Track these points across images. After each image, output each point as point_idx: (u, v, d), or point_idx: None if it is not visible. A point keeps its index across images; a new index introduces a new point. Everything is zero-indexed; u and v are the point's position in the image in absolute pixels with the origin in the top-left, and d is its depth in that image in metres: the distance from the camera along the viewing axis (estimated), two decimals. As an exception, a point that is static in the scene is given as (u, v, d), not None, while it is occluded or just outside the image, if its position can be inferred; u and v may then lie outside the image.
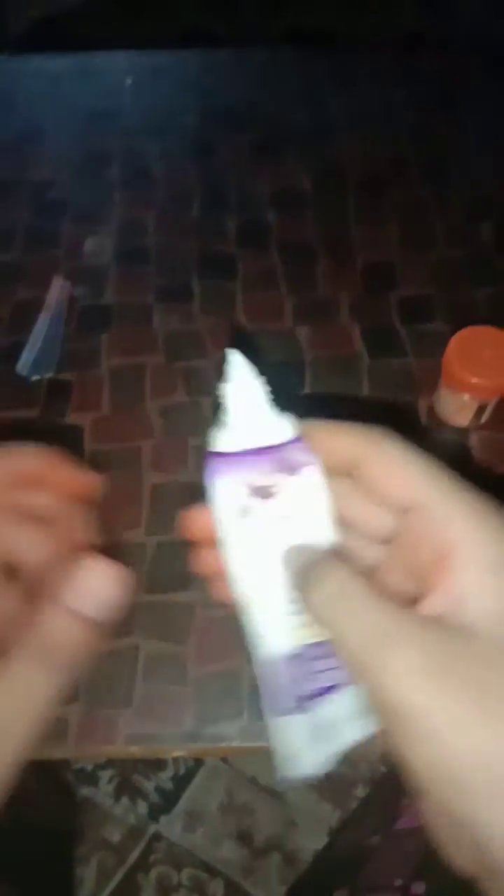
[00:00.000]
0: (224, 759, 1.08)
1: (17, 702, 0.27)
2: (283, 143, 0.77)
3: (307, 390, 0.59)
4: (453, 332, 0.53)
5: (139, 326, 0.63)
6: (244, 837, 1.03)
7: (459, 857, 0.27)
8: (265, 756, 0.46)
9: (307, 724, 0.28)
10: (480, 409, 0.54)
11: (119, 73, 0.84)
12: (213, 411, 0.58)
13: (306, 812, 1.05)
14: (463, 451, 0.55)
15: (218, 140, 0.77)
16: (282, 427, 0.28)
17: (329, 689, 0.28)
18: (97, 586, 0.29)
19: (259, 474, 0.27)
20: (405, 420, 0.57)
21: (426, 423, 0.57)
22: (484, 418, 0.55)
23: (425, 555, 0.27)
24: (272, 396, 0.29)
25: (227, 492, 0.27)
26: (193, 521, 0.30)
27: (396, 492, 0.28)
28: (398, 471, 0.28)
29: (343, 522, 0.30)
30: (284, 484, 0.27)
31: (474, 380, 0.51)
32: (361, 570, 0.27)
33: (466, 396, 0.53)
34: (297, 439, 0.28)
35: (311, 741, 0.28)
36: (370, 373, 0.60)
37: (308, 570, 0.27)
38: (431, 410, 0.57)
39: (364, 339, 0.62)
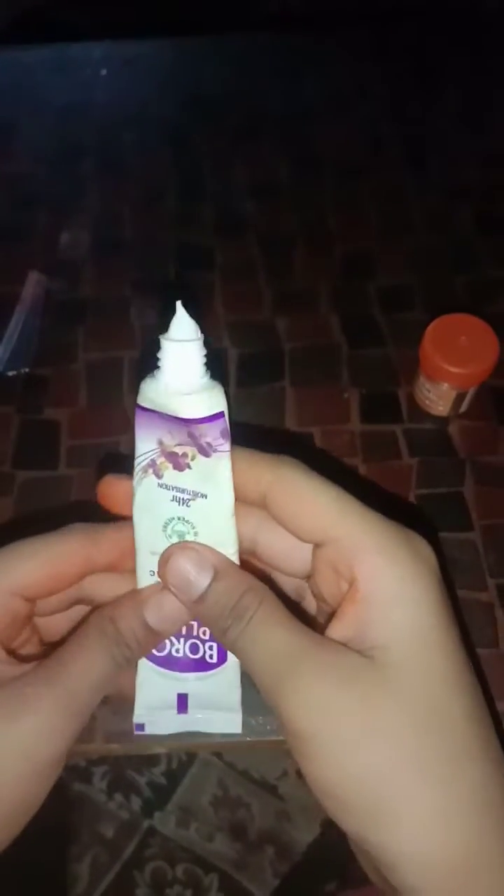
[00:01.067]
0: (217, 754, 1.08)
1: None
2: (259, 131, 0.76)
3: (286, 381, 0.58)
4: (433, 320, 0.52)
5: (116, 320, 0.62)
6: (238, 831, 1.03)
7: (371, 875, 0.27)
8: (255, 750, 0.46)
9: (174, 688, 0.28)
10: (459, 398, 0.53)
11: (93, 63, 0.83)
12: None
13: (299, 805, 1.05)
14: (443, 439, 0.55)
15: (194, 129, 0.76)
16: (210, 397, 0.27)
17: (210, 666, 0.29)
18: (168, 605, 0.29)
19: (176, 440, 0.27)
20: (385, 410, 0.56)
21: (406, 413, 0.56)
22: (464, 407, 0.55)
23: (335, 586, 0.28)
24: (207, 361, 0.28)
25: (142, 445, 0.28)
26: (110, 487, 0.31)
27: (306, 526, 0.28)
28: (306, 505, 0.28)
29: (262, 557, 0.31)
30: (198, 461, 0.27)
31: (452, 369, 0.50)
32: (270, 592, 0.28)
33: (445, 385, 0.52)
34: (220, 414, 0.27)
35: (171, 706, 0.29)
36: (349, 362, 0.59)
37: (218, 593, 0.28)
38: (411, 399, 0.57)
39: (343, 328, 0.61)
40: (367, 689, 0.25)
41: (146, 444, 0.28)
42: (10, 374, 0.58)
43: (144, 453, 0.28)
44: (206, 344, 0.28)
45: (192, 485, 0.28)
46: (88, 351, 0.60)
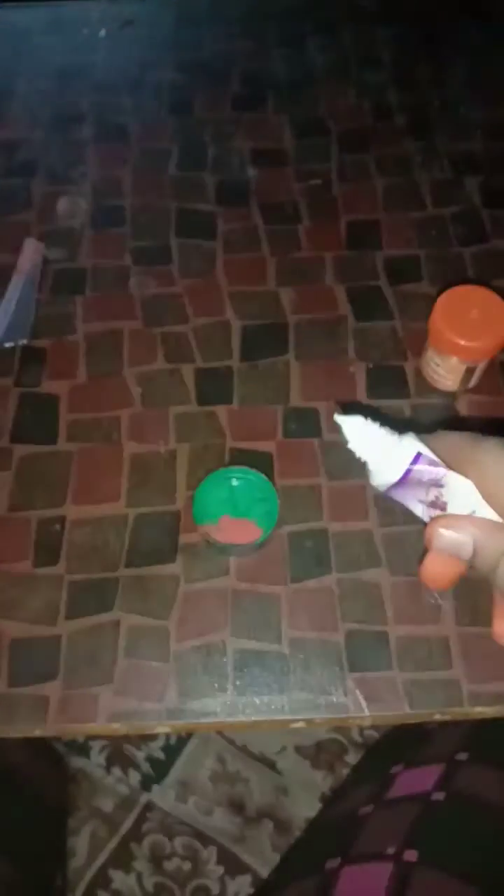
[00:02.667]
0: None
1: None
2: (262, 97, 0.74)
3: (290, 354, 0.57)
4: (440, 293, 0.51)
5: (116, 290, 0.60)
6: (236, 805, 1.04)
7: None
8: (247, 729, 0.45)
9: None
10: (469, 372, 0.52)
11: (91, 24, 0.80)
12: (193, 379, 0.56)
13: (298, 779, 1.05)
14: (451, 415, 0.54)
15: (195, 95, 0.74)
16: (408, 447, 0.33)
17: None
18: None
19: (422, 492, 0.34)
20: (392, 384, 0.55)
21: (413, 388, 0.55)
22: (473, 382, 0.53)
23: None
24: (388, 426, 0.34)
25: (416, 508, 0.35)
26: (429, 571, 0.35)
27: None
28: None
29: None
30: (445, 494, 0.33)
31: (462, 342, 0.49)
32: None
33: (454, 359, 0.51)
34: (419, 455, 0.33)
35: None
36: (356, 335, 0.58)
37: None
38: (419, 374, 0.55)
39: (350, 300, 0.59)
40: None
41: (416, 507, 0.35)
42: (8, 345, 0.57)
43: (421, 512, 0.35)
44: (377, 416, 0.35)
45: (461, 509, 0.34)
46: (87, 322, 0.59)
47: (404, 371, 0.56)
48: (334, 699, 0.44)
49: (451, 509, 0.34)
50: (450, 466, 0.33)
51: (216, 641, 0.46)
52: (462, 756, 0.60)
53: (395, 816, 0.60)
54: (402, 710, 0.44)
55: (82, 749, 1.08)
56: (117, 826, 1.03)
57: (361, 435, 0.34)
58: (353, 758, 1.06)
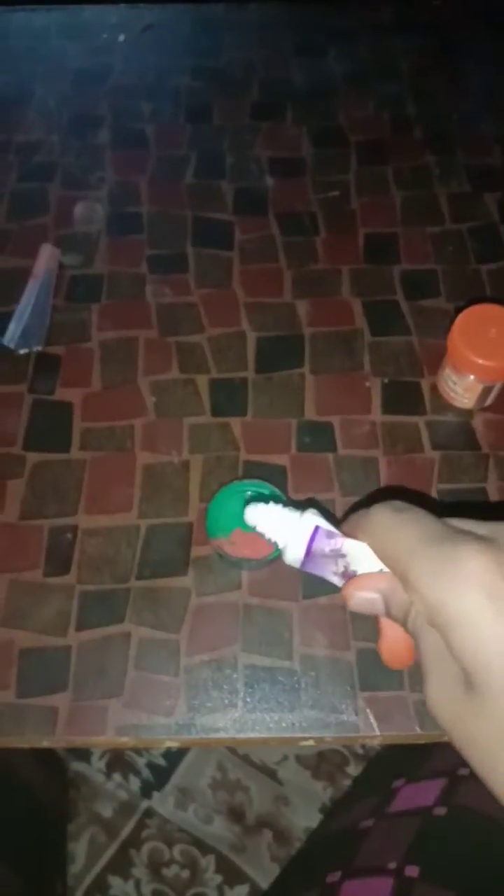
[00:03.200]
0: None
1: None
2: (280, 105, 0.73)
3: (306, 367, 0.56)
4: (457, 309, 0.51)
5: (131, 298, 0.60)
6: (236, 814, 1.03)
7: None
8: (257, 745, 0.45)
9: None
10: (486, 391, 0.51)
11: (109, 28, 0.80)
12: (208, 390, 0.55)
13: (298, 790, 1.05)
14: (467, 432, 0.53)
15: (213, 102, 0.74)
16: (307, 523, 0.36)
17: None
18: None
19: (332, 564, 0.36)
20: (408, 400, 0.55)
21: (429, 404, 0.55)
22: (489, 400, 0.53)
23: None
24: (289, 504, 0.37)
25: (332, 580, 0.37)
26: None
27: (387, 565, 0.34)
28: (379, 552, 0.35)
29: None
30: (350, 562, 0.36)
31: (480, 361, 0.49)
32: None
33: (472, 378, 0.50)
34: (317, 528, 0.36)
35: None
36: (372, 350, 0.57)
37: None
38: (435, 390, 0.55)
39: (366, 314, 0.59)
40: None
41: (333, 579, 0.37)
42: (22, 352, 0.57)
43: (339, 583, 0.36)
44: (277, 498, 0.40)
45: (356, 557, 0.36)
46: (102, 330, 0.58)
47: (420, 387, 0.56)
48: (345, 718, 0.44)
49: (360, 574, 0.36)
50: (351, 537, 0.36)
51: (227, 656, 0.46)
52: (464, 771, 0.60)
53: (397, 831, 0.60)
54: (412, 731, 0.44)
55: (82, 754, 1.08)
56: (117, 832, 1.02)
57: (266, 518, 0.37)
58: (354, 769, 1.06)
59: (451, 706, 0.30)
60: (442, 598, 0.29)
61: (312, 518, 0.36)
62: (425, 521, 0.32)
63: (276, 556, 0.46)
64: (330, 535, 0.36)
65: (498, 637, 0.27)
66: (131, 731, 0.44)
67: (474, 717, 0.29)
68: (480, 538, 0.30)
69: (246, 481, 0.48)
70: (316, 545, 0.36)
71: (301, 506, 0.37)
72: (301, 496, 0.51)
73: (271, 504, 0.37)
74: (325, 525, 0.36)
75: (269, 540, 0.37)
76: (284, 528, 0.36)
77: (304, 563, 0.36)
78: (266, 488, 0.47)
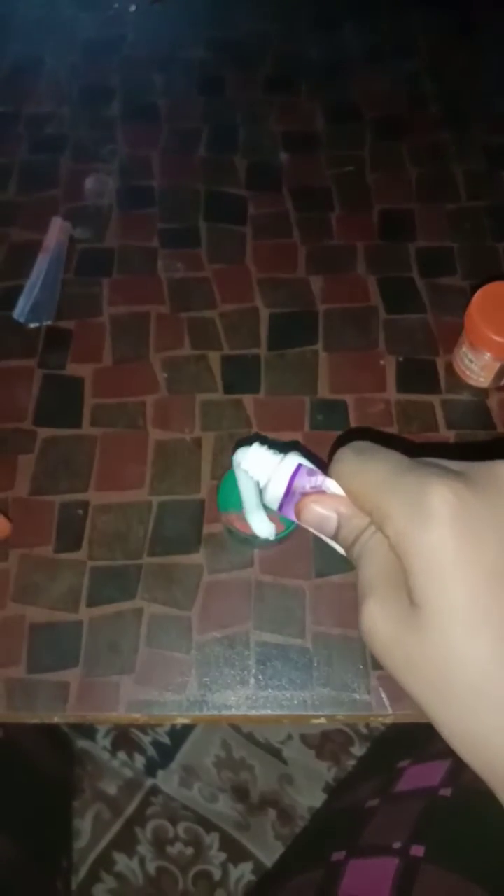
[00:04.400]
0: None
1: None
2: (295, 79, 0.72)
3: (319, 345, 0.56)
4: (473, 287, 0.50)
5: (143, 273, 0.59)
6: (240, 793, 1.04)
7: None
8: (269, 723, 0.45)
9: None
10: (502, 370, 0.51)
11: (122, -2, 0.78)
12: (220, 366, 0.55)
13: (303, 768, 1.05)
14: (482, 412, 0.53)
15: (226, 74, 0.72)
16: (290, 461, 0.36)
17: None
18: None
19: (307, 485, 0.36)
20: (423, 379, 0.54)
21: (444, 383, 0.54)
22: (506, 378, 0.52)
23: None
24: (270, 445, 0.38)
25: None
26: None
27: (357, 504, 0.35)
28: (350, 489, 0.35)
29: None
30: (324, 485, 0.36)
31: (498, 338, 0.48)
32: None
33: (488, 356, 0.50)
34: (299, 466, 0.36)
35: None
36: (386, 327, 0.57)
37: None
38: (450, 369, 0.54)
39: (381, 291, 0.58)
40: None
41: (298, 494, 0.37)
42: (32, 325, 0.56)
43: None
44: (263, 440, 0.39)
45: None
46: (113, 304, 0.58)
47: (436, 365, 0.55)
48: (357, 697, 0.44)
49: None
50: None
51: (239, 633, 0.45)
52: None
53: (402, 811, 0.60)
54: (425, 711, 0.43)
55: (88, 732, 1.08)
56: (121, 809, 1.03)
57: (252, 458, 0.38)
58: (358, 749, 1.06)
59: (391, 627, 0.30)
60: (410, 526, 0.30)
61: (296, 458, 0.36)
62: (393, 457, 0.33)
63: (287, 534, 0.45)
64: (311, 473, 0.36)
65: (455, 565, 0.28)
66: (143, 707, 0.43)
67: (416, 639, 0.29)
68: (450, 471, 0.31)
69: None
70: (297, 482, 0.36)
71: (286, 448, 0.38)
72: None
73: (256, 445, 0.38)
74: (306, 463, 0.37)
75: (254, 478, 0.38)
76: (267, 465, 0.37)
77: (283, 502, 0.37)
78: None
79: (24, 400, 0.53)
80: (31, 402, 0.53)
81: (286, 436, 0.52)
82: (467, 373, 0.53)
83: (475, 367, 0.52)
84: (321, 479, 0.36)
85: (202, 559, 0.48)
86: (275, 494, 0.37)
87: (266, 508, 0.44)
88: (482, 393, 0.54)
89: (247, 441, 0.46)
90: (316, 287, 0.58)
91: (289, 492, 0.36)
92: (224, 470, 0.47)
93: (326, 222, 0.62)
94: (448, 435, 0.52)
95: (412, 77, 0.73)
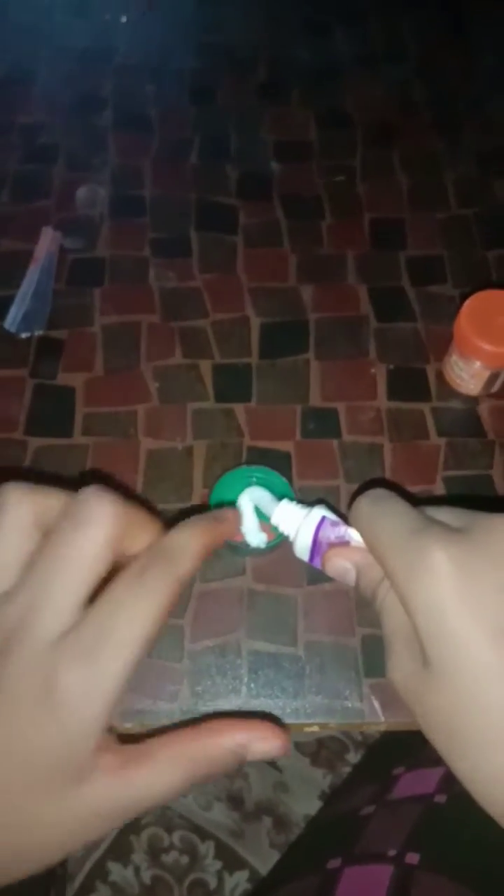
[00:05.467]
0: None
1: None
2: (286, 86, 0.72)
3: (311, 353, 0.56)
4: (464, 295, 0.50)
5: (134, 282, 0.59)
6: (235, 801, 1.04)
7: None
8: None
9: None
10: (493, 378, 0.51)
11: (112, 8, 0.78)
12: (211, 375, 0.55)
13: (297, 776, 1.05)
14: (473, 419, 0.53)
15: (217, 83, 0.73)
16: (315, 514, 0.39)
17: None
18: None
19: (332, 536, 0.39)
20: (413, 387, 0.54)
21: (435, 391, 0.54)
22: (496, 387, 0.53)
23: None
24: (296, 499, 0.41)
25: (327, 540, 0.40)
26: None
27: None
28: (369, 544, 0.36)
29: None
30: (346, 535, 0.38)
31: (487, 347, 0.48)
32: None
33: (478, 364, 0.50)
34: (324, 518, 0.39)
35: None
36: (377, 336, 0.57)
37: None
38: (441, 377, 0.55)
39: (371, 300, 0.59)
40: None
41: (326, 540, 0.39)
42: (24, 335, 0.56)
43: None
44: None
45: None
46: (105, 314, 0.58)
47: (426, 374, 0.55)
48: (349, 704, 0.44)
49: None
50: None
51: (231, 642, 0.46)
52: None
53: (397, 818, 0.60)
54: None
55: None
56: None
57: (280, 513, 0.40)
58: (353, 756, 1.06)
59: (410, 681, 0.32)
60: (411, 587, 0.31)
61: (321, 511, 0.39)
62: (400, 512, 0.35)
63: (278, 542, 0.45)
64: (335, 525, 0.38)
65: (456, 625, 0.30)
66: (135, 716, 0.43)
67: (429, 690, 0.31)
68: (450, 530, 0.33)
69: (252, 467, 0.47)
70: (322, 534, 0.38)
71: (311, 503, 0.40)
72: (306, 483, 0.50)
73: (285, 501, 0.41)
74: (330, 516, 0.39)
75: (274, 527, 0.41)
76: (295, 519, 0.40)
77: (312, 553, 0.39)
78: (272, 475, 0.46)
79: (15, 410, 0.53)
80: (22, 411, 0.53)
81: (279, 444, 0.52)
82: (457, 381, 0.53)
83: (465, 374, 0.52)
84: (344, 530, 0.38)
85: (194, 568, 0.48)
86: (303, 545, 0.39)
87: (259, 518, 0.44)
88: (472, 400, 0.54)
89: (261, 481, 0.47)
90: (307, 296, 0.59)
91: (315, 543, 0.39)
92: (215, 478, 0.47)
93: (317, 231, 0.62)
94: (439, 442, 0.52)
95: (403, 82, 0.73)
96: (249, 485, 0.46)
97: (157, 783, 0.30)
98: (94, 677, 0.28)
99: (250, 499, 0.43)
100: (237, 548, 0.46)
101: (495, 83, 0.73)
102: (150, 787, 0.30)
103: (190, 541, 0.33)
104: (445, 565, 0.31)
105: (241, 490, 0.46)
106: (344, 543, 0.38)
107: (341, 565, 0.38)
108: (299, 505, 0.41)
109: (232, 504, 0.45)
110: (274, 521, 0.41)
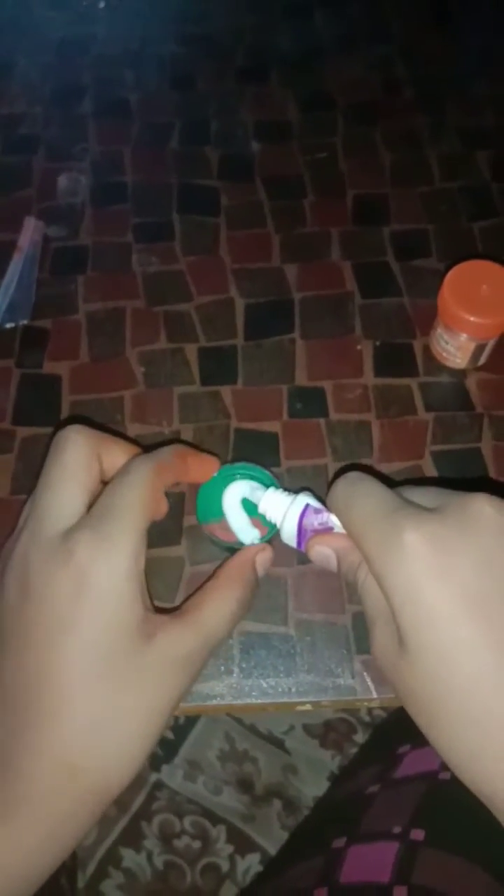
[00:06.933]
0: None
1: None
2: (267, 70, 0.72)
3: (296, 333, 0.56)
4: (449, 269, 0.50)
5: (117, 268, 0.59)
6: (245, 785, 1.04)
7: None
8: (254, 711, 0.45)
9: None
10: (479, 350, 0.51)
11: (90, -5, 0.78)
12: (197, 359, 0.55)
13: (306, 758, 1.06)
14: (460, 393, 0.53)
15: (197, 68, 0.72)
16: (299, 502, 0.40)
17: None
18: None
19: (315, 522, 0.40)
20: (400, 362, 0.54)
21: (422, 366, 0.54)
22: (482, 359, 0.52)
23: None
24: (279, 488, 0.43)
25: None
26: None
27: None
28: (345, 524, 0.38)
29: None
30: (329, 521, 0.39)
31: (472, 318, 0.48)
32: None
33: (464, 336, 0.50)
34: (307, 506, 0.40)
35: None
36: (363, 312, 0.56)
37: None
38: (427, 351, 0.54)
39: (356, 276, 0.58)
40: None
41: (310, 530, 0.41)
42: (8, 326, 0.56)
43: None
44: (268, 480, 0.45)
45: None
46: (89, 301, 0.58)
47: (413, 349, 0.55)
48: (341, 682, 0.44)
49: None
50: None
51: (222, 624, 0.45)
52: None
53: (402, 796, 0.60)
54: (409, 693, 0.43)
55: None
56: (127, 805, 1.04)
57: (267, 501, 0.41)
58: (361, 737, 1.07)
59: (390, 660, 0.33)
60: (385, 568, 0.32)
61: (305, 498, 0.40)
62: (375, 494, 0.35)
63: (271, 535, 0.45)
64: (317, 511, 0.39)
65: (429, 603, 0.30)
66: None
67: (408, 671, 0.32)
68: (423, 510, 0.33)
69: (238, 465, 0.46)
70: (306, 520, 0.39)
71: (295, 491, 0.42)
72: (294, 463, 0.50)
73: (271, 489, 0.42)
74: (314, 503, 0.40)
75: (263, 517, 0.42)
76: (281, 507, 0.40)
77: (298, 540, 0.40)
78: (258, 472, 0.46)
79: (2, 400, 0.53)
80: (9, 401, 0.53)
81: (266, 426, 0.52)
82: (444, 354, 0.53)
83: (451, 348, 0.51)
84: (326, 517, 0.39)
85: (183, 551, 0.48)
86: (289, 533, 0.41)
87: (252, 516, 0.44)
88: (460, 374, 0.54)
89: (247, 476, 0.46)
90: (291, 275, 0.58)
91: (300, 530, 0.40)
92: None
93: (300, 210, 0.62)
94: (427, 417, 0.52)
95: (385, 62, 0.72)
96: (232, 482, 0.45)
97: (216, 615, 0.36)
98: (106, 541, 0.33)
99: (235, 495, 0.44)
100: (230, 547, 0.45)
101: (477, 62, 0.72)
102: (211, 619, 0.36)
103: (164, 448, 0.40)
104: (418, 545, 0.31)
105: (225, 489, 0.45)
106: (327, 530, 0.39)
107: (322, 552, 0.39)
108: (284, 492, 0.41)
109: (219, 507, 0.45)
110: (261, 509, 0.41)
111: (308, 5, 0.77)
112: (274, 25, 0.76)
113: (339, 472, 0.41)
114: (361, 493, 0.36)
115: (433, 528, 0.31)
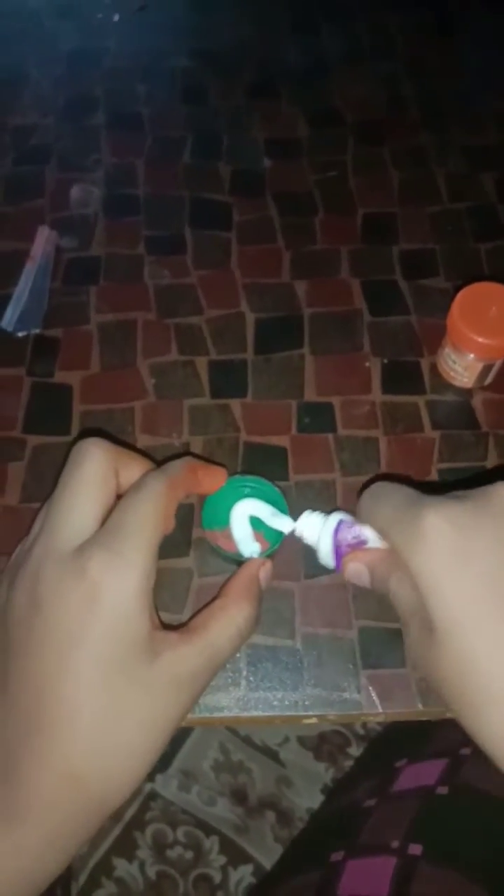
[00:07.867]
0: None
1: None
2: (276, 85, 0.73)
3: (305, 348, 0.56)
4: (456, 288, 0.51)
5: (129, 280, 0.60)
6: (239, 796, 1.04)
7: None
8: (261, 724, 0.45)
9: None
10: (486, 370, 0.51)
11: (104, 8, 0.79)
12: (207, 371, 0.55)
13: (300, 771, 1.06)
14: (467, 412, 0.53)
15: (209, 82, 0.73)
16: (332, 519, 0.42)
17: None
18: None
19: (349, 537, 0.41)
20: (407, 380, 0.55)
21: (429, 384, 0.55)
22: (489, 379, 0.53)
23: None
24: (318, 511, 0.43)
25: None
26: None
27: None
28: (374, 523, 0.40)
29: None
30: (363, 534, 0.40)
31: (480, 339, 0.49)
32: None
33: (471, 356, 0.50)
34: (341, 521, 0.41)
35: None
36: (371, 330, 0.57)
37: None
38: (434, 370, 0.55)
39: (365, 294, 0.59)
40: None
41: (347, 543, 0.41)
42: (20, 334, 0.56)
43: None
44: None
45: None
46: (100, 312, 0.58)
47: (420, 367, 0.55)
48: (347, 696, 0.44)
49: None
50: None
51: (229, 636, 0.46)
52: (465, 751, 0.60)
53: (400, 810, 0.60)
54: (415, 708, 0.44)
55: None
56: (120, 814, 1.03)
57: (303, 524, 0.42)
58: (355, 750, 1.07)
59: (422, 651, 0.34)
60: (411, 555, 0.33)
61: (338, 515, 0.41)
62: (401, 490, 0.37)
63: (272, 551, 0.45)
64: (350, 526, 0.40)
65: (452, 582, 0.31)
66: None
67: (439, 657, 0.32)
68: (446, 497, 0.34)
69: (247, 476, 0.47)
70: (339, 536, 0.40)
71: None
72: (302, 477, 0.51)
73: (307, 511, 0.43)
74: (347, 519, 0.41)
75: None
76: (316, 527, 0.42)
77: (336, 559, 0.41)
78: (266, 486, 0.46)
79: (12, 408, 0.53)
80: (19, 410, 0.53)
81: (274, 439, 0.52)
82: (451, 373, 0.53)
83: (458, 367, 0.52)
84: (359, 530, 0.40)
85: (192, 563, 0.48)
86: (325, 551, 0.41)
87: (254, 528, 0.45)
88: (466, 393, 0.54)
89: (258, 493, 0.47)
90: (301, 291, 0.59)
91: (336, 547, 0.41)
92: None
93: (310, 227, 0.63)
94: (433, 435, 0.52)
95: (391, 79, 0.73)
96: (243, 495, 0.46)
97: (222, 634, 0.37)
98: (118, 558, 0.34)
99: (244, 510, 0.44)
100: (230, 557, 0.46)
101: (481, 80, 0.73)
102: (217, 638, 0.36)
103: (176, 462, 0.41)
104: (439, 526, 0.32)
105: (233, 499, 0.46)
106: (361, 543, 0.39)
107: (355, 568, 0.39)
108: (319, 514, 0.42)
109: (226, 516, 0.46)
110: (297, 532, 0.43)
111: (315, 21, 0.78)
112: (282, 40, 0.76)
113: (367, 484, 0.41)
114: (387, 491, 0.37)
115: (454, 510, 0.32)
